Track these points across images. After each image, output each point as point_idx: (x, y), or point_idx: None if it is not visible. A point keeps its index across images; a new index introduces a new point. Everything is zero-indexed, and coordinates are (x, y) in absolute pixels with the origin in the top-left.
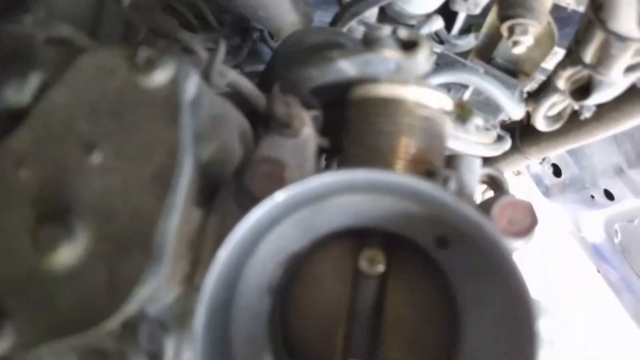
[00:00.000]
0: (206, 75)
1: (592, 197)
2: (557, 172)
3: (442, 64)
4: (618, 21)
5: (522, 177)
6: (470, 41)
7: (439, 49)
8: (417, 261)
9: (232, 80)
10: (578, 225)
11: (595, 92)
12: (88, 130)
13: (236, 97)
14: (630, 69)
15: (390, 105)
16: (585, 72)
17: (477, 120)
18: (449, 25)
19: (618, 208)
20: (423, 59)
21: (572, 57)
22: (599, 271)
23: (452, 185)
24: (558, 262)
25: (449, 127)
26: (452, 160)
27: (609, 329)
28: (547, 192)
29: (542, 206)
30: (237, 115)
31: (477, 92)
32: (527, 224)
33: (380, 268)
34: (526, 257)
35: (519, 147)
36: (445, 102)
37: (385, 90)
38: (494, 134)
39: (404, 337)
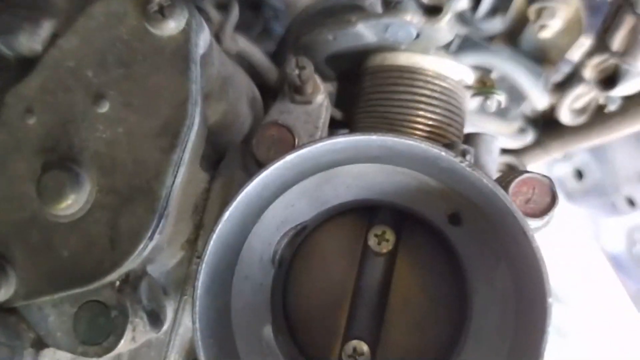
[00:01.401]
0: (218, 37)
1: (614, 204)
2: (579, 176)
3: (465, 46)
4: None
5: None
6: (495, 25)
7: (463, 31)
8: (428, 241)
9: (243, 48)
10: (598, 232)
11: (621, 82)
12: (96, 79)
13: (247, 68)
14: None
15: (408, 74)
16: (612, 61)
17: (500, 97)
18: (474, 7)
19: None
20: (446, 26)
21: (600, 45)
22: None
23: (470, 158)
24: (577, 267)
25: (469, 101)
26: (470, 138)
27: (625, 335)
28: (568, 196)
29: (563, 210)
30: (247, 81)
31: (500, 79)
32: (546, 203)
33: (389, 246)
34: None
35: (541, 141)
36: (466, 75)
37: (404, 59)
38: (515, 125)
39: (410, 319)
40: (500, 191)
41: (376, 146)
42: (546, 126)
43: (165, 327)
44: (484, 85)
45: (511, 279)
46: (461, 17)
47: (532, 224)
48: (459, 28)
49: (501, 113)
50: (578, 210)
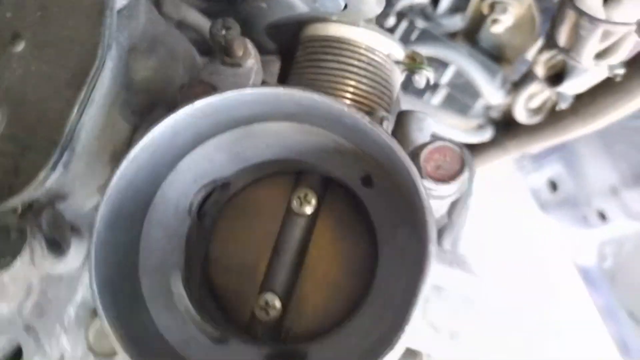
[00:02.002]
0: (157, 1)
1: (586, 216)
2: (553, 187)
3: (424, 38)
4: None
5: (520, 192)
6: (456, 22)
7: (422, 25)
8: (347, 204)
9: (186, 15)
10: (570, 244)
11: (568, 77)
12: (14, 20)
13: (194, 35)
14: (600, 55)
15: (337, 44)
16: (560, 57)
17: (429, 73)
18: (435, 3)
19: (610, 230)
20: None
21: (549, 41)
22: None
23: (387, 126)
24: (549, 282)
25: (398, 75)
26: (402, 116)
27: (593, 346)
28: (543, 207)
29: (537, 222)
30: (184, 44)
31: (457, 75)
32: (454, 170)
33: (310, 208)
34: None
35: (499, 140)
36: (395, 49)
37: (334, 29)
38: (475, 121)
39: (323, 279)
40: (395, 145)
41: (287, 101)
42: (504, 125)
43: (78, 264)
44: (414, 61)
45: (415, 240)
46: (423, 12)
47: (443, 189)
48: (420, 21)
49: (462, 110)
50: (552, 222)
